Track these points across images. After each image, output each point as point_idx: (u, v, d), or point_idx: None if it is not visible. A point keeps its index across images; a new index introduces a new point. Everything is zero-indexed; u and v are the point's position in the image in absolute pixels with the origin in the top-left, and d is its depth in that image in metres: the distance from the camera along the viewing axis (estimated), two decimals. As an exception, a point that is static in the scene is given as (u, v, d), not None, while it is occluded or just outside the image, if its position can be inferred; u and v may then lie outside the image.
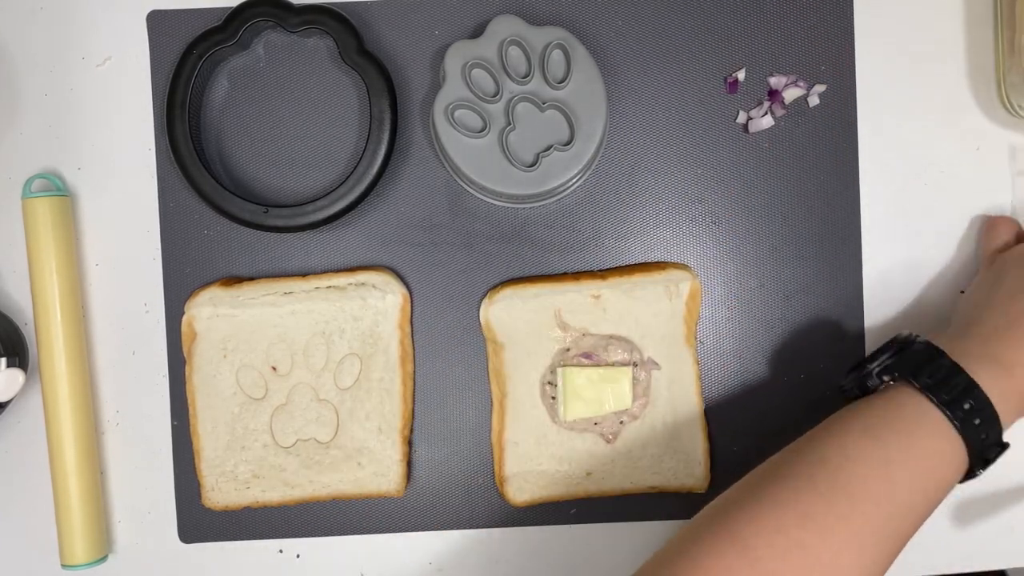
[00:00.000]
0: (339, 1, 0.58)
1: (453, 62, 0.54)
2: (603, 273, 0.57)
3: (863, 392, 0.50)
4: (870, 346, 0.58)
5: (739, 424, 0.58)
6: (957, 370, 0.47)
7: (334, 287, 0.56)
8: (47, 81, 0.58)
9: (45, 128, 0.58)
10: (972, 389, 0.46)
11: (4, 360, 0.55)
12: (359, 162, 0.55)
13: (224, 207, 0.55)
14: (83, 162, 0.58)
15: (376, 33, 0.58)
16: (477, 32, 0.55)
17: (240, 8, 0.55)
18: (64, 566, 0.56)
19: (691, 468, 0.57)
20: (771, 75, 0.57)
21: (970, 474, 0.48)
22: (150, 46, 0.58)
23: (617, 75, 0.58)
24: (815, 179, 0.58)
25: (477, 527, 0.59)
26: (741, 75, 0.57)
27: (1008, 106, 0.57)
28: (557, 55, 0.54)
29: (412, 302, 0.57)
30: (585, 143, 0.54)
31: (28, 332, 0.58)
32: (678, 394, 0.56)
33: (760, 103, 0.58)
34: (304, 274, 0.57)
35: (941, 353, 0.48)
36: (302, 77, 0.58)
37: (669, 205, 0.58)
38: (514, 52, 0.54)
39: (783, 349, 0.58)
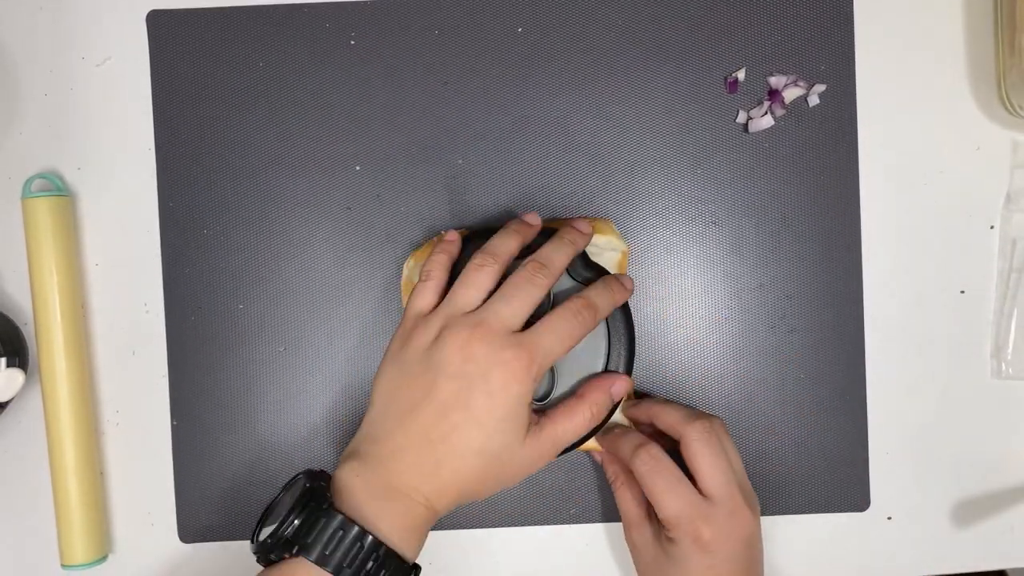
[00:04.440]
0: (338, 1, 0.58)
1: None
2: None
3: (266, 562, 0.46)
4: (870, 346, 0.58)
5: (739, 424, 0.58)
6: (361, 534, 0.44)
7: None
8: (47, 81, 0.58)
9: (45, 128, 0.58)
10: (379, 547, 0.44)
11: (4, 360, 0.55)
12: (605, 367, 0.52)
13: None
14: (83, 162, 0.58)
15: (376, 33, 0.58)
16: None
17: (463, 247, 0.52)
18: (64, 566, 0.56)
19: None
20: (771, 75, 0.57)
21: None
22: (150, 46, 0.58)
23: (617, 75, 0.58)
24: (815, 179, 0.58)
25: (477, 527, 0.59)
26: (741, 75, 0.57)
27: (1008, 106, 0.57)
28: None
29: None
30: (552, 404, 0.51)
31: (28, 332, 0.58)
32: None
33: (760, 103, 0.58)
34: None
35: (341, 520, 0.44)
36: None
37: (669, 205, 0.58)
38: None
39: (783, 349, 0.58)
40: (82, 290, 0.58)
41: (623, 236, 0.57)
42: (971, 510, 0.58)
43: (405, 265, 0.56)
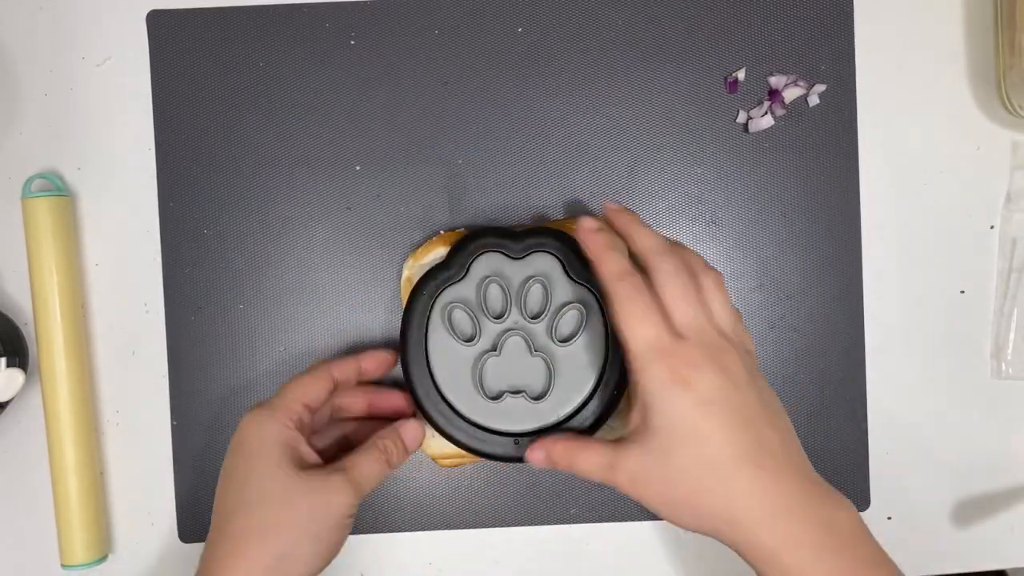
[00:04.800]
0: (338, 1, 0.58)
1: (480, 268, 0.52)
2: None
3: None
4: (870, 346, 0.58)
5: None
6: None
7: None
8: (47, 81, 0.58)
9: (45, 128, 0.58)
10: None
11: (4, 360, 0.55)
12: (602, 374, 0.51)
13: (477, 446, 0.51)
14: (83, 162, 0.59)
15: (376, 33, 0.58)
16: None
17: (462, 243, 0.52)
18: (64, 566, 0.56)
19: None
20: (771, 75, 0.57)
21: None
22: (150, 46, 0.58)
23: (617, 75, 0.58)
24: (815, 179, 0.58)
25: (477, 527, 0.59)
26: (741, 75, 0.57)
27: (1008, 106, 0.57)
28: (572, 315, 0.52)
29: None
30: (553, 407, 0.51)
31: (28, 332, 0.58)
32: None
33: (760, 103, 0.58)
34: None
35: None
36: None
37: (669, 205, 0.58)
38: (535, 291, 0.52)
39: (783, 349, 0.58)
40: (82, 290, 0.58)
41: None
42: (971, 510, 0.58)
43: (405, 265, 0.56)
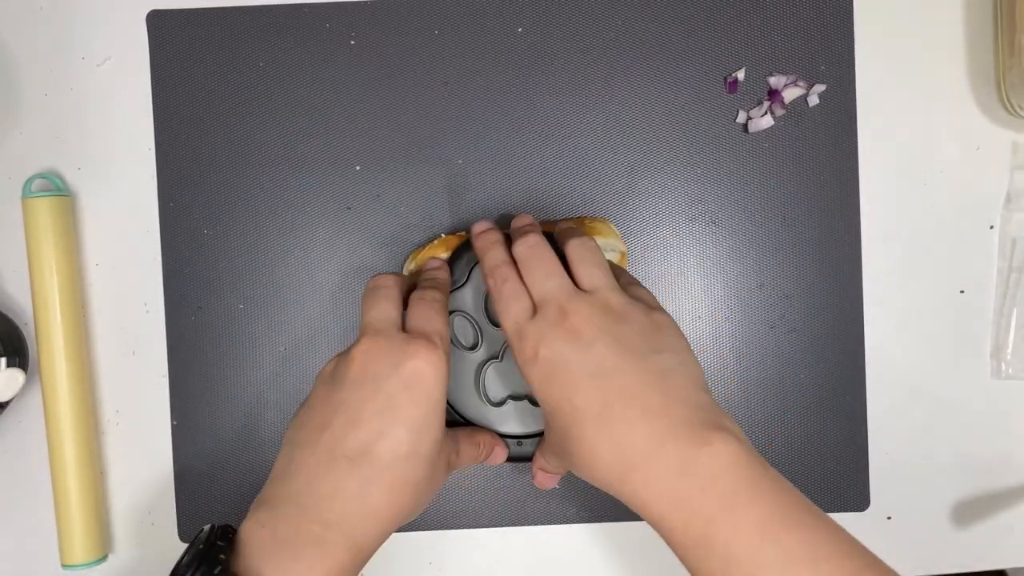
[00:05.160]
0: (340, 1, 0.58)
1: (481, 275, 0.51)
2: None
3: None
4: (869, 346, 0.58)
5: (739, 423, 0.58)
6: None
7: None
8: (47, 81, 0.58)
9: (45, 128, 0.58)
10: None
11: (4, 360, 0.55)
12: None
13: None
14: (83, 162, 0.59)
15: (377, 33, 0.58)
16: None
17: (463, 250, 0.52)
18: (64, 566, 0.56)
19: None
20: (771, 75, 0.57)
21: None
22: (150, 46, 0.58)
23: (616, 75, 0.58)
24: (815, 179, 0.58)
25: (477, 527, 0.59)
26: (741, 75, 0.57)
27: (1008, 106, 0.57)
28: None
29: None
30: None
31: (28, 332, 0.58)
32: None
33: (760, 103, 0.58)
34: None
35: None
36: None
37: (669, 205, 0.58)
38: None
39: (783, 349, 0.58)
40: (82, 290, 0.58)
41: (622, 236, 0.57)
42: (971, 510, 0.58)
43: (405, 266, 0.56)
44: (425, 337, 0.44)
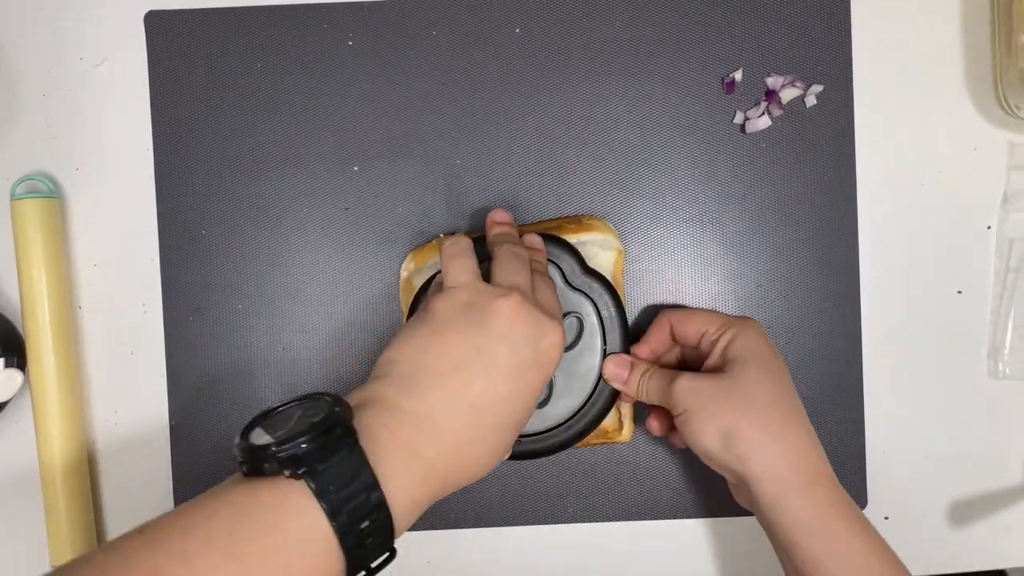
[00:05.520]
0: (338, 2, 0.58)
1: (481, 275, 0.50)
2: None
3: (253, 470, 0.39)
4: (867, 346, 0.58)
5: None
6: (372, 486, 0.38)
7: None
8: (45, 81, 0.58)
9: (43, 128, 0.58)
10: (381, 510, 0.39)
11: (2, 360, 0.55)
12: (598, 380, 0.53)
13: None
14: (81, 162, 0.59)
15: (374, 33, 0.58)
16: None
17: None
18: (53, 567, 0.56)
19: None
20: (768, 75, 0.57)
21: None
22: (147, 47, 0.58)
23: (614, 75, 0.58)
24: (813, 179, 0.58)
25: (477, 527, 0.59)
26: (738, 75, 0.57)
27: (1005, 106, 0.57)
28: (570, 323, 0.52)
29: None
30: (553, 411, 0.52)
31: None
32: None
33: (757, 103, 0.58)
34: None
35: (362, 462, 0.38)
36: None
37: (667, 205, 0.58)
38: None
39: (781, 349, 0.58)
40: (80, 291, 0.58)
41: (619, 235, 0.57)
42: (968, 510, 0.58)
43: (403, 266, 0.56)
44: (560, 322, 0.46)
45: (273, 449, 0.38)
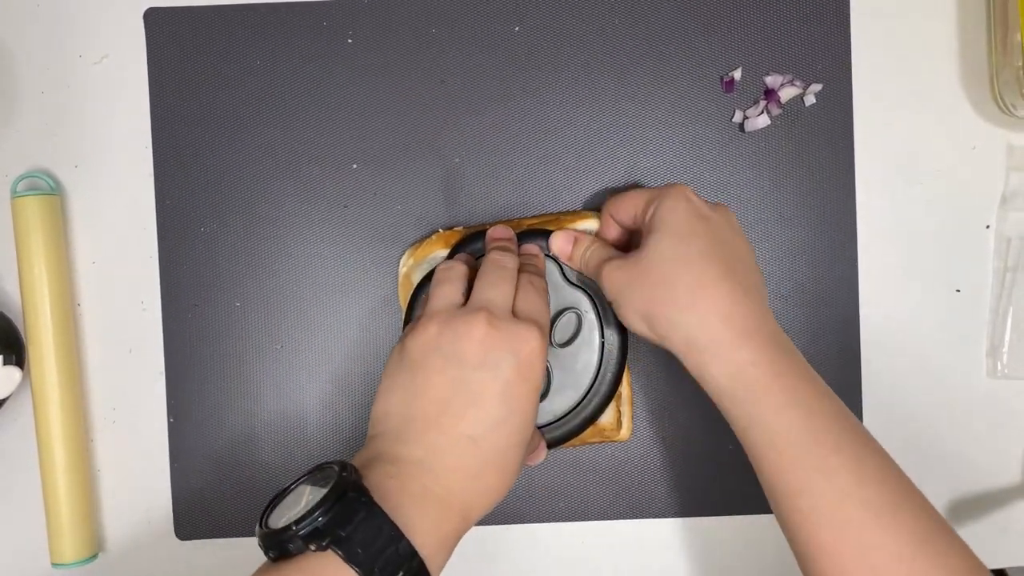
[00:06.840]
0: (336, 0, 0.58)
1: None
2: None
3: (280, 553, 0.40)
4: (865, 345, 0.58)
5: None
6: (397, 537, 0.39)
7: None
8: (44, 79, 0.58)
9: (42, 126, 0.58)
10: (412, 558, 0.39)
11: (1, 357, 0.55)
12: (596, 374, 0.53)
13: None
14: (80, 160, 0.59)
15: (373, 31, 0.58)
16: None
17: (462, 245, 0.54)
18: (53, 564, 0.56)
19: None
20: (767, 74, 0.58)
21: None
22: (147, 44, 0.58)
23: (612, 74, 0.58)
24: (811, 178, 0.58)
25: (476, 525, 0.58)
26: (737, 74, 0.58)
27: (1001, 104, 0.57)
28: (569, 318, 0.53)
29: None
30: (551, 405, 0.52)
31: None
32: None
33: (756, 102, 0.58)
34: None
35: (382, 517, 0.39)
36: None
37: (665, 204, 0.58)
38: None
39: (779, 348, 0.58)
40: (78, 288, 0.58)
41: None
42: (966, 509, 0.58)
43: (402, 262, 0.56)
44: (537, 324, 0.45)
45: (294, 528, 0.38)
